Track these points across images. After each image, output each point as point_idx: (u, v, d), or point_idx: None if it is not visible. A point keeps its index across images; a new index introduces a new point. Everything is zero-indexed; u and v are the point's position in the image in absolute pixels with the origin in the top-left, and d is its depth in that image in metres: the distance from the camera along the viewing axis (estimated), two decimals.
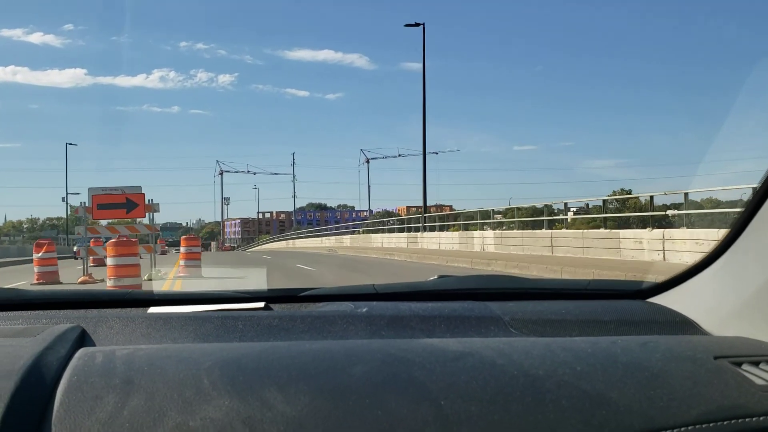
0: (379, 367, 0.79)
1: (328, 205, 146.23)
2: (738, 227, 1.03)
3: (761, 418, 0.74)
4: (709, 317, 1.04)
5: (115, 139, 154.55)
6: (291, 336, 0.98)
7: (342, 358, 0.81)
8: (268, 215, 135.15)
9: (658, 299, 1.16)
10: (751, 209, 0.99)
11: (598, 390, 0.75)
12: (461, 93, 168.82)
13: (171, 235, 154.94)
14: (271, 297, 1.16)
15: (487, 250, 19.39)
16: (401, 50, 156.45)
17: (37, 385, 0.71)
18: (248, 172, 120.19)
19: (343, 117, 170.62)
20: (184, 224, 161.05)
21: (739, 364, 0.83)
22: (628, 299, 1.18)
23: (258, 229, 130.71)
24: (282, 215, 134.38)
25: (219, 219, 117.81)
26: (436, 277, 1.34)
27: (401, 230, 30.03)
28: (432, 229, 27.03)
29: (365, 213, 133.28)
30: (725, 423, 0.72)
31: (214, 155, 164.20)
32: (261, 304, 1.11)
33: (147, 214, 13.65)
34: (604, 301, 1.16)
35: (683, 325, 1.05)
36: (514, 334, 1.01)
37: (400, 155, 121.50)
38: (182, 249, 14.44)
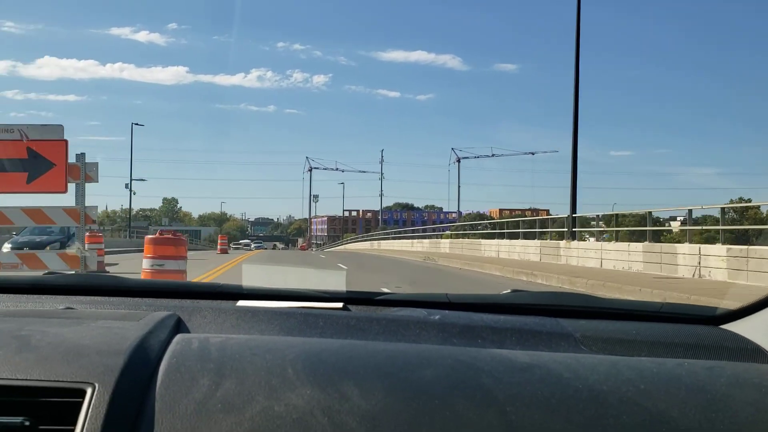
0: (449, 372, 0.83)
1: (415, 205, 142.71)
2: None
3: None
4: None
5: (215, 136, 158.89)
6: (367, 336, 1.02)
7: (414, 360, 0.86)
8: (354, 213, 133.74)
9: (732, 326, 1.14)
10: None
11: (660, 408, 0.77)
12: (556, 94, 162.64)
13: (262, 230, 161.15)
14: (349, 298, 1.22)
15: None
16: (495, 52, 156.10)
17: (142, 363, 0.80)
18: (336, 169, 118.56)
19: (432, 118, 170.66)
20: (275, 219, 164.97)
21: None
22: (701, 324, 1.17)
23: (343, 227, 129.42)
24: (368, 214, 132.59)
25: (306, 216, 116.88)
26: (509, 291, 1.36)
27: (528, 236, 21.57)
28: (579, 236, 18.82)
29: (453, 214, 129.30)
30: None
31: (305, 153, 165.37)
32: (339, 305, 1.17)
33: (78, 185, 7.11)
34: (675, 325, 1.15)
35: (754, 353, 1.02)
36: (583, 351, 1.01)
37: (493, 155, 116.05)
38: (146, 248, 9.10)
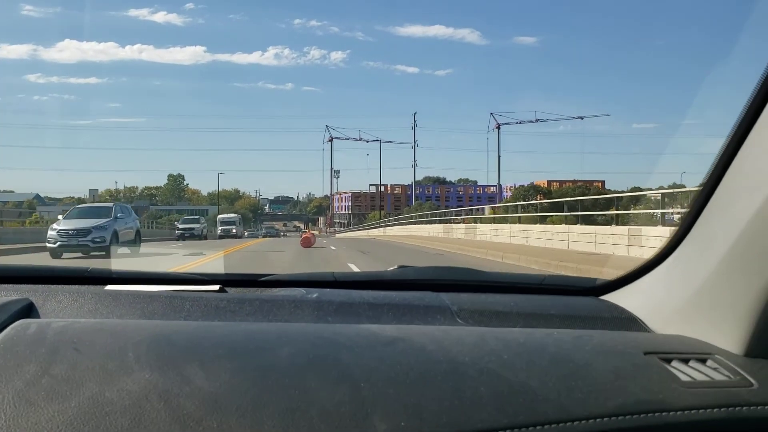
0: (308, 349, 0.80)
1: (448, 179, 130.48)
2: (687, 223, 1.02)
3: (678, 413, 0.75)
4: (654, 315, 1.05)
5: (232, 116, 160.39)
6: (235, 318, 0.99)
7: (273, 339, 0.83)
8: (381, 189, 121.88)
9: (610, 296, 1.18)
10: (700, 203, 0.99)
11: (519, 379, 0.77)
12: (579, 69, 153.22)
13: (280, 209, 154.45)
14: (229, 281, 1.18)
15: None
16: (514, 24, 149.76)
17: None
18: (360, 139, 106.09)
19: (451, 93, 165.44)
20: (294, 197, 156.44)
21: (669, 361, 0.85)
22: (581, 296, 1.20)
23: (371, 204, 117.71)
24: (397, 189, 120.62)
25: (328, 192, 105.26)
26: (396, 267, 1.36)
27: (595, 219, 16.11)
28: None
29: (492, 188, 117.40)
30: (642, 416, 0.74)
31: (323, 131, 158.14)
32: (216, 287, 1.12)
33: None
34: (555, 297, 1.18)
35: (628, 322, 1.06)
36: (459, 324, 1.02)
37: (537, 120, 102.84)
38: None
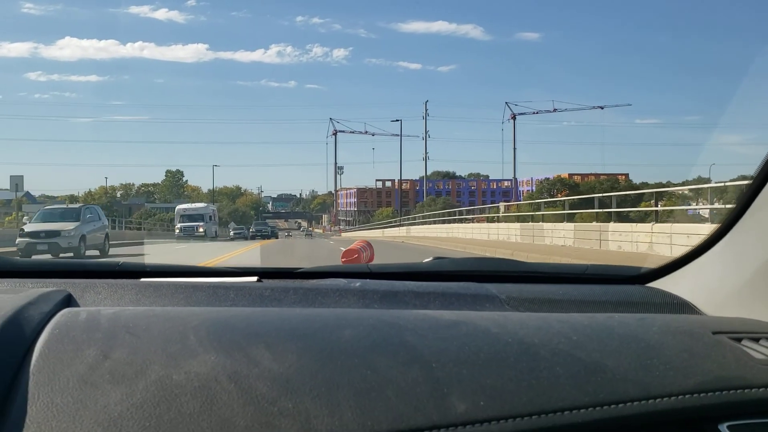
0: (370, 331, 0.79)
1: (457, 173, 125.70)
2: (739, 209, 1.03)
3: (760, 390, 0.75)
4: (708, 300, 1.05)
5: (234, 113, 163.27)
6: (282, 306, 0.99)
7: (332, 322, 0.81)
8: (388, 184, 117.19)
9: (657, 284, 1.17)
10: (752, 190, 1.00)
11: (593, 359, 0.76)
12: (586, 63, 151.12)
13: (283, 206, 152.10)
14: (265, 273, 1.17)
15: None
16: (517, 20, 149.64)
17: (16, 334, 0.71)
18: (365, 132, 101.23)
19: (455, 89, 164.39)
20: (297, 195, 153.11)
21: (739, 340, 0.85)
22: (627, 284, 1.19)
23: (377, 200, 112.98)
24: (405, 184, 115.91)
25: (332, 189, 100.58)
26: (431, 258, 1.35)
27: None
28: None
29: (507, 183, 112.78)
30: (723, 393, 0.74)
31: (326, 128, 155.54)
32: (254, 279, 1.12)
33: None
34: (601, 285, 1.17)
35: (681, 306, 1.06)
36: (509, 311, 1.01)
37: (555, 110, 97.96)
38: None
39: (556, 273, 1.29)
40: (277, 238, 44.09)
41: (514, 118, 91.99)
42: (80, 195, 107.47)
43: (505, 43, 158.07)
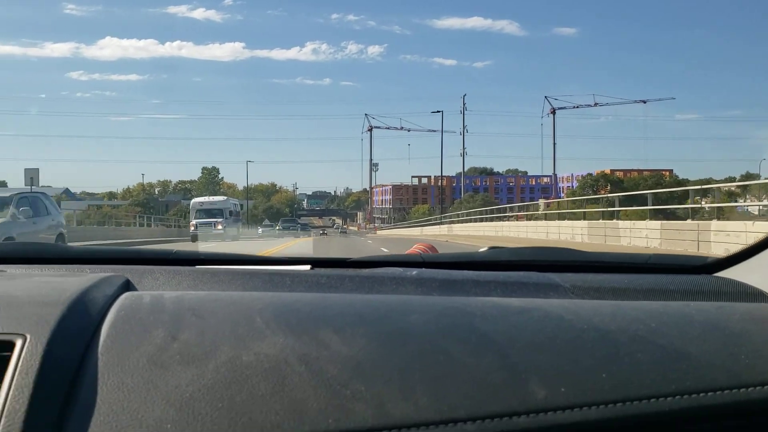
0: (437, 317, 0.76)
1: (495, 170, 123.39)
2: None
3: None
4: None
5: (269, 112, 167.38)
6: (340, 292, 0.96)
7: (397, 307, 0.79)
8: (424, 181, 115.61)
9: (726, 273, 1.11)
10: None
11: (675, 346, 0.73)
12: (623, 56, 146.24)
13: (318, 204, 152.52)
14: (318, 262, 1.17)
15: None
16: (553, 15, 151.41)
17: (84, 314, 0.71)
18: (401, 128, 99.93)
19: (491, 85, 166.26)
20: (332, 192, 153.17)
21: None
22: (693, 274, 1.13)
23: (413, 197, 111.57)
24: (442, 181, 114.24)
25: (367, 186, 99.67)
26: (486, 248, 1.33)
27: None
28: None
29: (546, 179, 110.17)
30: None
31: (360, 125, 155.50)
32: (307, 267, 1.11)
33: None
34: (667, 275, 1.11)
35: (756, 296, 0.99)
36: (577, 299, 0.96)
37: (596, 104, 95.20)
38: None
39: (619, 262, 1.22)
40: (307, 235, 41.92)
41: (553, 112, 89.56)
42: (119, 192, 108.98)
43: (542, 38, 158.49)
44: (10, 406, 0.58)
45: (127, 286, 0.88)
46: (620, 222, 16.60)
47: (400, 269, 1.06)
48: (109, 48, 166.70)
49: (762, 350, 0.74)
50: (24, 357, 0.62)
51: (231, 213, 32.40)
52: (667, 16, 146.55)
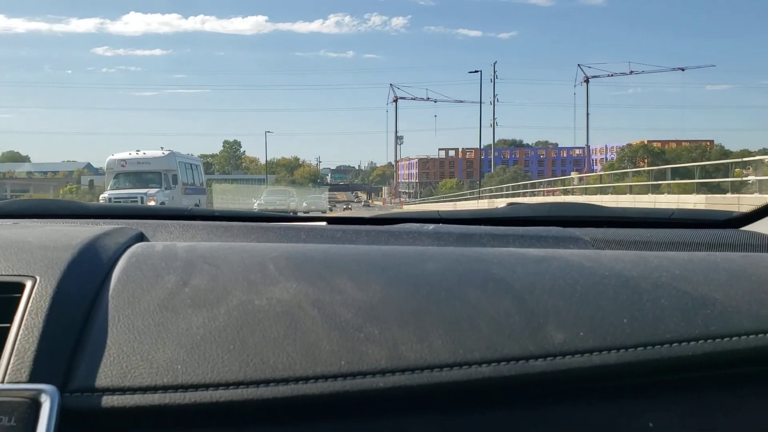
0: (454, 264, 0.76)
1: (524, 142, 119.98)
2: None
3: None
4: None
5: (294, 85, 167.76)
6: (356, 245, 0.96)
7: (413, 256, 0.79)
8: (451, 153, 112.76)
9: (752, 227, 1.09)
10: None
11: (700, 292, 0.71)
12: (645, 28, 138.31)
13: (342, 178, 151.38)
14: (334, 218, 1.17)
15: None
16: None
17: (95, 259, 0.72)
18: (427, 99, 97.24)
19: (517, 56, 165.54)
20: (356, 167, 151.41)
21: None
22: (718, 228, 1.11)
23: (440, 171, 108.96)
24: (469, 153, 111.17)
25: (392, 160, 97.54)
26: (505, 205, 1.32)
27: None
28: None
29: (578, 151, 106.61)
30: None
31: (384, 98, 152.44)
32: (323, 223, 1.13)
33: None
34: (691, 229, 1.10)
35: None
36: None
37: (632, 72, 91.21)
38: None
39: (642, 217, 1.22)
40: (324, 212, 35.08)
41: (587, 81, 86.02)
42: None
43: (569, 7, 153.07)
44: (19, 345, 0.59)
45: (141, 237, 0.88)
46: (667, 196, 15.01)
47: (417, 225, 1.05)
48: (134, 23, 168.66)
49: None
50: (33, 298, 0.63)
51: (175, 179, 19.91)
52: None
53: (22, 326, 0.61)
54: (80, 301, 0.65)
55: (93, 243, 0.75)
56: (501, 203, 29.82)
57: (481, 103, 51.66)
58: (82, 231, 0.80)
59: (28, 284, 0.65)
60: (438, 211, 1.20)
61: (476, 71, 52.60)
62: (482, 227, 1.03)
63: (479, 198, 36.41)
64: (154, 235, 0.94)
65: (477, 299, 0.68)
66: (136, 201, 17.55)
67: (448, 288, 0.70)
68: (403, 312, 0.66)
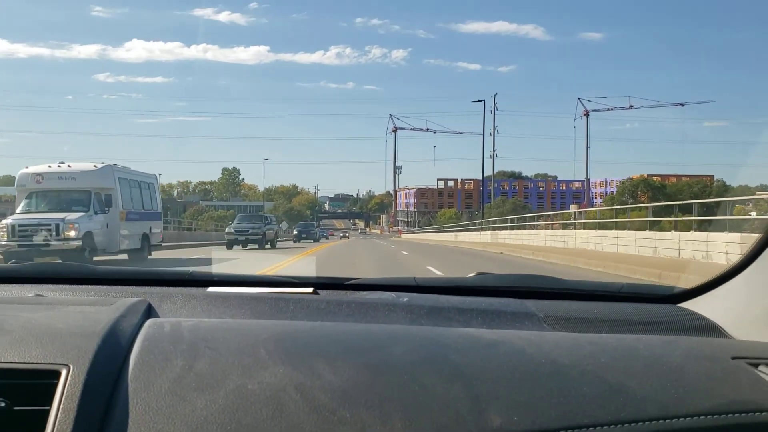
0: (417, 348, 0.88)
1: (523, 174, 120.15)
2: None
3: None
4: (735, 323, 1.09)
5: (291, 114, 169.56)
6: (337, 318, 1.08)
7: (384, 338, 0.91)
8: (450, 184, 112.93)
9: (689, 304, 1.22)
10: None
11: (618, 380, 0.83)
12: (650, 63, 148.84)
13: (340, 206, 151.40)
14: (319, 283, 1.28)
15: None
16: (578, 20, 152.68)
17: (116, 344, 0.83)
18: (426, 129, 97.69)
19: (516, 90, 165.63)
20: (354, 195, 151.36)
21: (756, 366, 0.90)
22: (660, 303, 1.24)
23: (438, 200, 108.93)
24: (468, 184, 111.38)
25: (390, 188, 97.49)
26: (475, 273, 1.43)
27: None
28: None
29: (578, 184, 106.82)
30: (736, 416, 0.80)
31: (383, 128, 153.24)
32: (310, 290, 1.22)
33: None
34: (635, 304, 1.23)
35: (708, 328, 1.10)
36: (546, 330, 1.08)
37: (631, 106, 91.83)
38: None
39: (593, 291, 1.33)
40: (316, 241, 37.29)
41: (587, 114, 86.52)
42: None
43: (567, 43, 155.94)
44: (59, 427, 0.69)
45: (149, 311, 1.00)
46: (668, 233, 14.78)
47: (393, 295, 1.18)
48: (136, 50, 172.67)
49: (693, 385, 0.83)
50: (69, 384, 0.73)
51: (109, 200, 14.30)
52: (688, 20, 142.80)
53: (60, 410, 0.71)
54: (106, 385, 0.75)
55: (113, 328, 0.85)
56: (504, 235, 29.52)
57: (484, 131, 51.68)
58: (102, 314, 0.91)
59: (63, 372, 0.75)
60: (414, 278, 1.34)
61: (480, 100, 52.44)
62: (451, 298, 1.17)
63: (481, 230, 35.54)
64: (160, 306, 1.05)
65: (433, 384, 0.79)
66: (50, 230, 12.58)
67: (410, 373, 0.80)
68: (371, 396, 0.76)
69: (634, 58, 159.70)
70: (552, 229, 24.65)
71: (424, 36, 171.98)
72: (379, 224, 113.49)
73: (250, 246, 23.39)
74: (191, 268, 1.39)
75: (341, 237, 63.70)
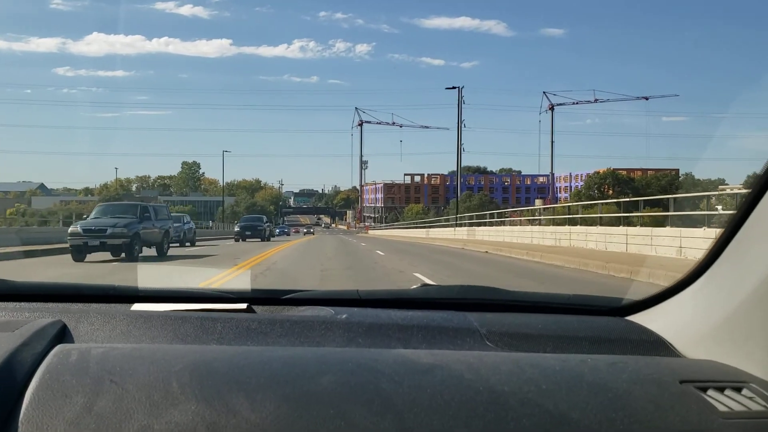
0: (348, 377, 0.82)
1: (489, 168, 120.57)
2: (717, 247, 1.03)
3: None
4: (683, 338, 1.06)
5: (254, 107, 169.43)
6: (268, 340, 1.01)
7: (313, 366, 0.85)
8: (417, 179, 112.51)
9: (636, 317, 1.19)
10: (731, 228, 0.98)
11: (561, 410, 0.78)
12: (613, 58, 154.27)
13: (305, 201, 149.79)
14: (255, 298, 1.22)
15: None
16: (541, 15, 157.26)
17: (8, 381, 0.75)
18: (393, 123, 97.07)
19: (479, 85, 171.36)
20: (320, 190, 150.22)
21: (705, 390, 0.87)
22: (607, 316, 1.22)
23: (405, 196, 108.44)
24: (434, 179, 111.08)
25: (356, 184, 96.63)
26: (419, 285, 1.39)
27: None
28: None
29: (542, 178, 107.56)
30: None
31: (348, 123, 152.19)
32: (243, 306, 1.16)
33: None
34: (582, 317, 1.20)
35: (656, 345, 1.07)
36: (488, 348, 1.05)
37: (596, 100, 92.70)
38: None
39: (539, 302, 1.30)
40: (266, 239, 29.96)
41: (552, 108, 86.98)
42: (95, 187, 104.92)
43: (530, 38, 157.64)
44: None
45: (62, 334, 0.94)
46: (639, 228, 14.60)
47: (332, 311, 1.12)
48: (96, 44, 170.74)
49: (639, 414, 0.79)
50: None
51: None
52: (647, 19, 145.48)
53: None
54: None
55: (9, 360, 0.77)
56: (482, 232, 28.71)
57: (459, 119, 51.10)
58: (1, 340, 0.82)
59: None
60: (357, 290, 1.28)
61: (454, 87, 51.72)
62: (392, 314, 1.12)
63: (456, 226, 34.55)
64: (75, 327, 0.98)
65: (360, 418, 0.73)
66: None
67: (337, 406, 0.75)
68: None
69: (597, 53, 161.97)
70: (540, 225, 23.12)
71: (388, 30, 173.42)
72: (346, 220, 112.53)
73: (112, 255, 14.46)
74: (119, 282, 1.23)
75: (305, 233, 62.50)
